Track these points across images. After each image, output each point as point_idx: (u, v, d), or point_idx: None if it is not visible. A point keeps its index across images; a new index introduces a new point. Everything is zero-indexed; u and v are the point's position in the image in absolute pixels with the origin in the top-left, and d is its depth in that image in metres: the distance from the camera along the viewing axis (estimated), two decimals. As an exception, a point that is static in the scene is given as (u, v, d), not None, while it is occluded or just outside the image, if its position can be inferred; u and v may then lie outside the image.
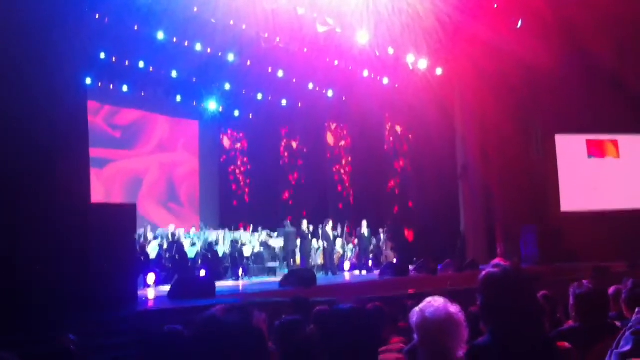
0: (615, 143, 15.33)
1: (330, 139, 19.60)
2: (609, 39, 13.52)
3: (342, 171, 19.24)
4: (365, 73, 15.61)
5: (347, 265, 14.73)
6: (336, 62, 15.06)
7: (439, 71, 15.03)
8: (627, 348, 2.18)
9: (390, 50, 14.33)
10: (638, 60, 13.75)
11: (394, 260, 14.22)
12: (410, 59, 14.60)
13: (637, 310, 2.48)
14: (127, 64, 14.90)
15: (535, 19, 13.32)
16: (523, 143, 14.55)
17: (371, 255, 14.75)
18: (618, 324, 3.10)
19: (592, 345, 2.77)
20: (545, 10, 13.15)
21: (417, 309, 2.42)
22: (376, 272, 13.16)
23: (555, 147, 15.23)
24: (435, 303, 2.43)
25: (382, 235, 15.49)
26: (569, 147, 15.24)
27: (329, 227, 13.75)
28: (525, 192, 14.25)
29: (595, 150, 15.29)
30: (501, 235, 14.40)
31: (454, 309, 2.51)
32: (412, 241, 16.01)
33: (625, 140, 15.32)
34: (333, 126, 19.59)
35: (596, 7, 12.66)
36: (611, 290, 4.00)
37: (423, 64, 14.60)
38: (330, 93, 17.38)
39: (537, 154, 15.02)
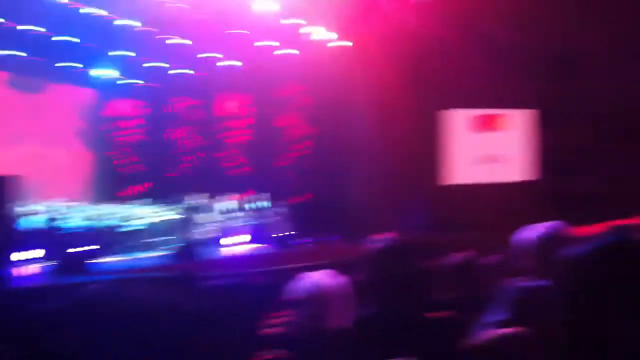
0: (499, 117, 16.02)
1: (230, 108, 19.25)
2: (499, 16, 14.01)
3: (240, 142, 18.99)
4: (269, 43, 15.43)
5: (238, 239, 14.61)
6: (239, 32, 14.77)
7: (342, 44, 15.11)
8: (502, 317, 2.25)
9: (295, 21, 14.25)
10: (526, 38, 14.34)
11: (286, 233, 14.27)
12: (314, 30, 14.57)
13: (509, 280, 2.57)
14: (17, 28, 13.83)
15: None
16: (414, 117, 14.88)
17: (263, 228, 14.72)
18: (491, 293, 3.21)
19: (466, 314, 2.84)
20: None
21: (299, 282, 2.39)
22: (267, 246, 13.15)
23: (442, 120, 15.72)
24: (316, 276, 2.41)
25: (275, 208, 15.49)
26: (456, 121, 15.78)
27: (221, 200, 13.56)
28: (413, 165, 14.64)
29: (481, 124, 15.94)
30: (390, 207, 14.74)
31: (337, 280, 2.49)
32: (304, 214, 16.09)
33: (510, 115, 16.05)
34: (234, 96, 19.25)
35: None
36: (487, 260, 4.14)
37: (327, 36, 14.63)
38: (231, 62, 17.06)
39: (426, 128, 15.43)
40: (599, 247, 1.37)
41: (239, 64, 16.88)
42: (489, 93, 14.92)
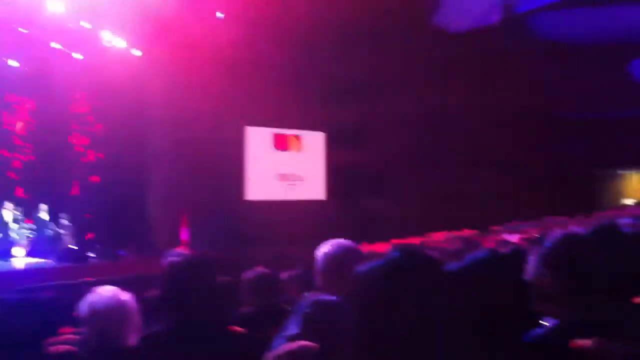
0: (298, 138, 16.59)
1: (9, 115, 17.64)
2: (301, 39, 14.53)
3: (19, 153, 17.43)
4: (56, 45, 14.38)
5: (20, 252, 13.42)
6: (24, 31, 13.60)
7: (138, 54, 14.53)
8: (295, 331, 2.30)
9: (86, 24, 13.44)
10: (325, 62, 15.02)
11: (73, 246, 13.41)
12: (106, 35, 13.87)
13: (305, 294, 2.65)
14: None
15: (237, 11, 13.71)
16: (215, 133, 14.85)
17: (48, 241, 13.69)
18: (289, 307, 3.28)
19: (265, 329, 2.87)
20: (247, 4, 13.65)
21: (85, 299, 2.28)
22: (53, 259, 12.27)
23: (245, 138, 15.91)
24: (102, 292, 2.31)
25: (61, 220, 14.49)
26: (257, 139, 16.06)
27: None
28: (214, 181, 14.58)
29: (281, 144, 16.41)
30: (186, 222, 14.52)
31: (124, 296, 2.41)
32: (93, 226, 15.24)
33: (307, 136, 16.67)
34: (13, 100, 17.66)
35: (295, 8, 13.57)
36: (285, 275, 4.24)
37: (120, 43, 13.99)
38: (14, 63, 15.62)
39: (227, 144, 15.48)
40: (386, 264, 1.46)
41: (16, 64, 15.50)
42: (290, 113, 15.41)
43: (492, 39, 15.84)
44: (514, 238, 6.20)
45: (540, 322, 1.75)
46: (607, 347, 1.54)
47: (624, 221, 5.77)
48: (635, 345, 1.53)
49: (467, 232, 12.07)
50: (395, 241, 10.47)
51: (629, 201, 19.86)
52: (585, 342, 1.55)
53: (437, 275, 1.49)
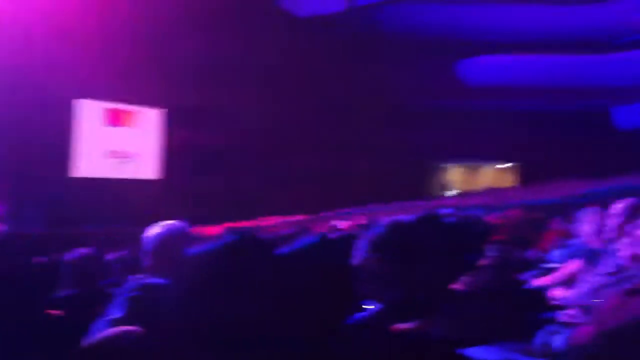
0: (132, 114, 15.91)
1: None
2: (142, 12, 13.92)
3: None
4: None
5: None
6: None
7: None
8: (119, 314, 2.21)
9: None
10: (167, 39, 14.49)
11: None
12: None
13: (131, 277, 2.54)
14: None
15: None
16: (41, 105, 13.81)
17: None
18: (114, 290, 3.14)
19: (87, 312, 2.72)
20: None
21: None
22: None
23: (74, 112, 14.99)
24: None
25: None
26: (88, 113, 15.20)
27: None
28: (38, 156, 13.59)
29: (113, 119, 15.62)
30: (4, 198, 13.44)
31: None
32: None
33: (142, 113, 16.05)
34: None
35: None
36: (111, 256, 4.06)
37: None
38: None
39: (54, 117, 14.49)
40: (219, 247, 1.44)
41: None
42: (123, 88, 14.72)
43: (336, 28, 16.28)
44: (344, 224, 6.42)
45: (365, 305, 1.82)
46: (426, 328, 1.62)
47: (445, 211, 6.21)
48: (451, 326, 1.64)
49: (298, 218, 12.36)
50: (228, 224, 10.45)
51: (448, 192, 21.44)
52: (406, 325, 1.63)
53: (269, 259, 1.50)
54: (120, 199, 13.86)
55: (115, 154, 15.62)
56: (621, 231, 2.80)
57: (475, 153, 20.12)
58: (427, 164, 20.76)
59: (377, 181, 16.66)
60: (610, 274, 2.69)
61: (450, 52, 18.24)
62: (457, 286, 1.87)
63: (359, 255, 1.91)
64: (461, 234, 2.79)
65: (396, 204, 13.01)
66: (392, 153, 17.76)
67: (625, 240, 2.57)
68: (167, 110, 16.10)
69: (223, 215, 12.04)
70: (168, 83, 14.74)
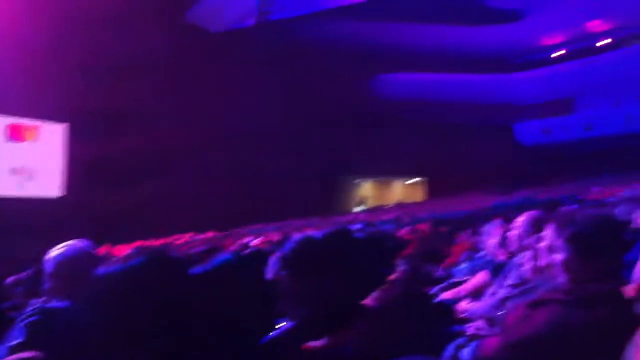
0: (35, 129, 15.33)
1: None
2: (44, 23, 13.44)
3: None
4: None
5: None
6: None
7: None
8: (19, 340, 2.10)
9: None
10: (71, 50, 14.06)
11: None
12: None
13: (32, 300, 2.43)
14: None
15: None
16: None
17: None
18: (14, 314, 2.98)
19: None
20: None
21: None
22: None
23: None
24: None
25: None
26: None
27: None
28: None
29: (15, 134, 15.00)
30: None
31: None
32: None
33: (46, 127, 15.52)
34: None
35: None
36: (11, 279, 3.87)
37: None
38: None
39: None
40: (131, 268, 1.40)
41: None
42: (25, 102, 14.17)
43: (247, 41, 16.29)
44: (256, 241, 6.38)
45: (278, 323, 1.81)
46: (338, 345, 1.63)
47: (356, 226, 6.27)
48: (360, 341, 1.65)
49: (210, 235, 12.19)
50: (137, 243, 10.17)
51: (359, 208, 21.75)
52: (317, 343, 1.63)
53: (182, 279, 1.47)
54: (22, 218, 13.25)
55: (17, 171, 14.96)
56: (524, 244, 2.91)
57: (385, 168, 20.57)
58: (337, 179, 21.03)
59: (288, 197, 16.72)
60: (514, 286, 2.79)
61: (362, 68, 18.61)
62: (368, 301, 1.89)
63: (271, 271, 1.90)
64: (371, 248, 2.83)
65: (308, 219, 13.10)
66: (302, 168, 17.89)
67: (528, 253, 2.67)
68: (73, 123, 15.60)
69: (132, 233, 11.73)
70: (74, 95, 14.32)
